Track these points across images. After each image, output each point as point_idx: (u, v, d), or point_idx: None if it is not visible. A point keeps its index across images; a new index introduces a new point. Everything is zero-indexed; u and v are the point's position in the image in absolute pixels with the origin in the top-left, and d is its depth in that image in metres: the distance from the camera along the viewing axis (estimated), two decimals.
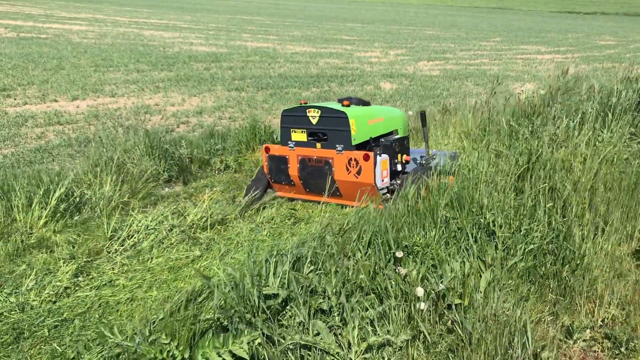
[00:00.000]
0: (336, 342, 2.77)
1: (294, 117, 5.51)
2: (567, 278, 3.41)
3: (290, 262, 3.17)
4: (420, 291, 2.89)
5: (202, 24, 35.41)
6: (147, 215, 4.90)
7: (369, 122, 5.46)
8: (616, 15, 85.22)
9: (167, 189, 6.32)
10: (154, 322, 3.15)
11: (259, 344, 2.67)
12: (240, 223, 5.06)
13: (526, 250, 3.52)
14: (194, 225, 4.90)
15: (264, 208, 5.48)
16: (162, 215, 4.93)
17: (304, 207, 5.59)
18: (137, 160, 6.29)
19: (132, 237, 4.61)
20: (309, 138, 5.45)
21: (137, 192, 5.76)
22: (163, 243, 4.61)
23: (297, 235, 4.71)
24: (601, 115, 5.78)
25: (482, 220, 3.73)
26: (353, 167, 5.15)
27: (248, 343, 2.54)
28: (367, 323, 2.90)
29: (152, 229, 4.72)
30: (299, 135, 5.49)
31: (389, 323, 2.90)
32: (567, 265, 3.47)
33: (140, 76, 14.57)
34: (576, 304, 3.30)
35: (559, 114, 5.71)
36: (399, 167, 5.54)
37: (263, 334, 2.73)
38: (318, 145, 5.40)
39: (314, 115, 5.33)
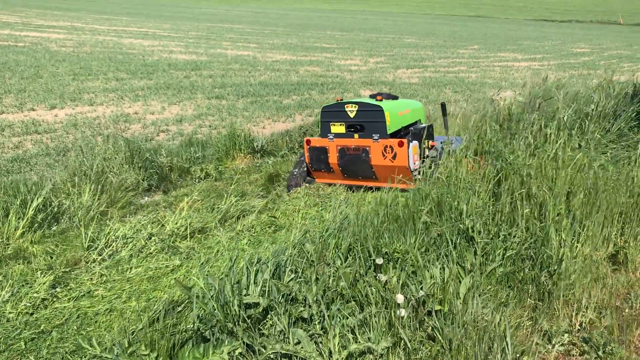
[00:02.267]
0: (317, 350, 2.76)
1: (333, 112, 6.14)
2: (545, 283, 3.45)
3: (270, 270, 3.17)
4: (400, 298, 2.90)
5: (181, 32, 35.29)
6: (124, 224, 4.86)
7: (399, 113, 6.18)
8: (590, 23, 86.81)
9: (146, 198, 6.27)
10: (133, 333, 3.12)
11: (240, 353, 2.66)
12: (220, 232, 5.04)
13: (505, 255, 3.56)
14: (174, 234, 4.86)
15: (244, 216, 5.46)
16: (141, 224, 4.89)
17: (285, 215, 5.59)
18: (117, 169, 6.24)
19: (110, 246, 4.57)
20: (347, 130, 6.05)
21: (116, 202, 5.70)
22: (142, 252, 4.56)
23: (277, 243, 4.70)
24: (577, 122, 5.87)
25: (461, 226, 3.77)
26: (388, 153, 5.78)
27: (229, 353, 2.52)
28: (348, 331, 2.90)
29: (130, 238, 4.68)
30: (338, 128, 6.11)
31: (369, 330, 2.90)
32: (545, 270, 3.51)
33: (120, 84, 14.46)
34: (554, 308, 3.33)
35: (536, 121, 5.79)
36: (426, 152, 6.07)
37: (244, 343, 2.72)
38: (355, 135, 6.03)
39: (351, 110, 5.96)
